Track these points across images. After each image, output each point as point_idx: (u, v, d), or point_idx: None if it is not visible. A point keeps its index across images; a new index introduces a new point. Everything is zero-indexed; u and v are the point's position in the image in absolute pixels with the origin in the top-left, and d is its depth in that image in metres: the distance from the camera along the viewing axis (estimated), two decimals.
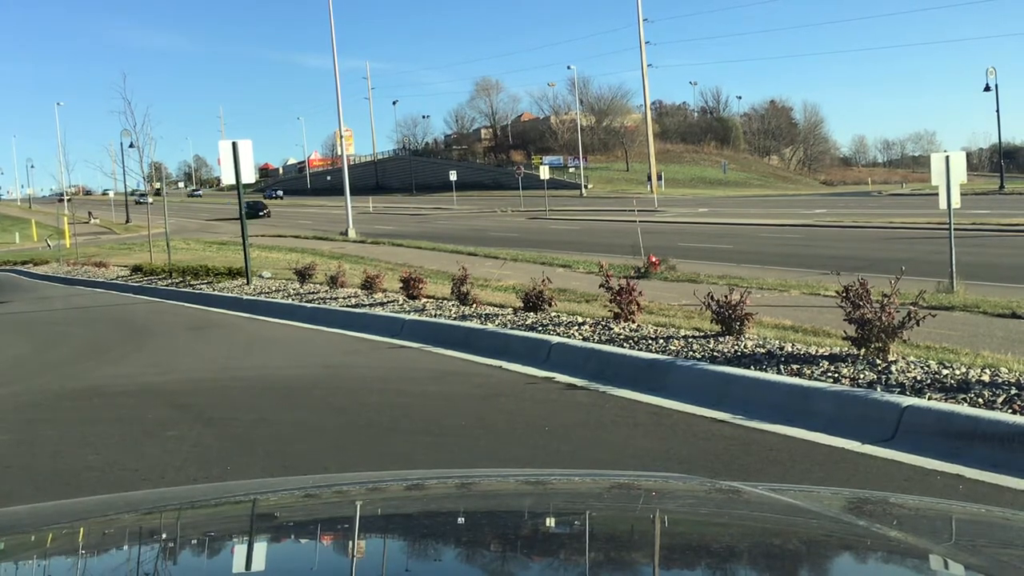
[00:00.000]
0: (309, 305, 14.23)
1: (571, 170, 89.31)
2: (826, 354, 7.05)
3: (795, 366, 6.74)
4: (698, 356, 7.44)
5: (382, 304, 13.14)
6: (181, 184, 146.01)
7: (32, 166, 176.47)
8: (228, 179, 18.84)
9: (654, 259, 18.21)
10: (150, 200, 39.62)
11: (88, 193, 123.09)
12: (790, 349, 7.35)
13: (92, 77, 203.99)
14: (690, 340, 8.09)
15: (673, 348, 7.84)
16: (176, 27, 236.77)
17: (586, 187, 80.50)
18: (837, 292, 7.17)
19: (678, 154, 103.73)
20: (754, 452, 5.49)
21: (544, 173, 60.62)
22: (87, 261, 31.39)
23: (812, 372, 6.54)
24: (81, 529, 1.84)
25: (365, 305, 13.27)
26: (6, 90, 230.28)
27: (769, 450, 5.52)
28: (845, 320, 7.01)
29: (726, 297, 8.13)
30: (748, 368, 6.87)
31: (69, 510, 2.13)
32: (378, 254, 27.12)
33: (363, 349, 10.80)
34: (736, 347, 7.60)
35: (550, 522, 1.86)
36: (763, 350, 7.38)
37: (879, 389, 5.95)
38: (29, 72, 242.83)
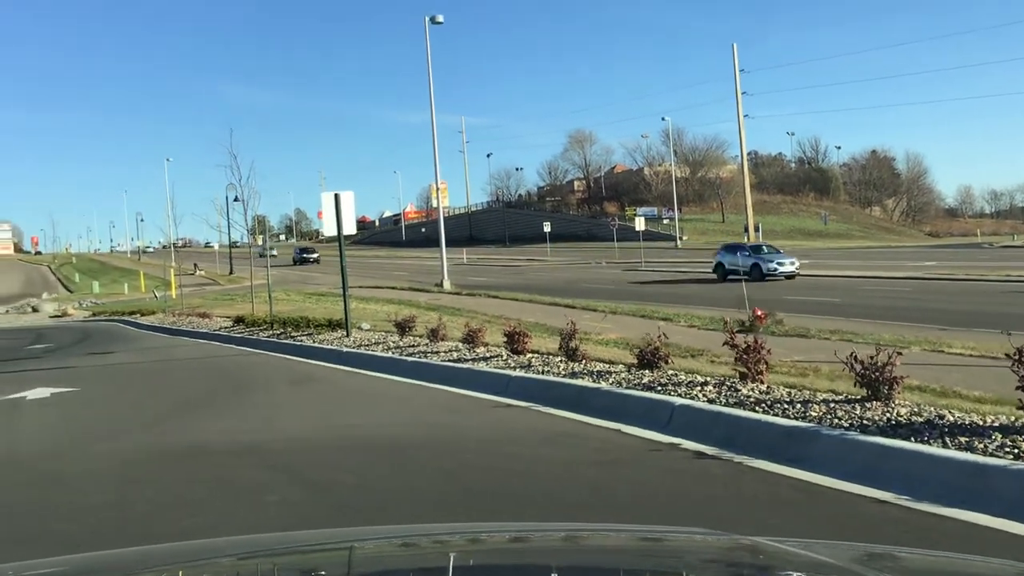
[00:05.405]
0: (410, 359, 13.82)
1: (665, 221, 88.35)
2: (997, 424, 6.20)
3: (962, 438, 5.93)
4: (845, 424, 6.65)
5: (485, 359, 12.64)
6: (282, 237, 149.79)
7: (142, 220, 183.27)
8: (330, 231, 18.79)
9: (759, 312, 17.30)
10: (275, 252, 40.37)
11: (188, 245, 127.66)
12: (951, 418, 6.51)
13: (198, 132, 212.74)
14: (832, 405, 7.29)
15: (814, 414, 7.06)
16: (280, 86, 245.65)
17: (681, 239, 79.35)
18: (1008, 355, 6.33)
19: (775, 205, 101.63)
20: (931, 542, 4.72)
21: (639, 224, 60.00)
22: (191, 312, 31.92)
23: (985, 446, 5.71)
24: (180, 572, 1.99)
25: (467, 360, 12.79)
26: (120, 147, 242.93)
27: (949, 539, 4.74)
28: (1018, 388, 6.17)
29: (872, 358, 7.32)
30: (907, 440, 6.06)
31: (180, 551, 2.30)
32: (474, 306, 26.77)
33: (467, 407, 10.28)
34: (887, 414, 6.78)
35: None
36: (921, 418, 6.56)
37: None
38: (141, 129, 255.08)
